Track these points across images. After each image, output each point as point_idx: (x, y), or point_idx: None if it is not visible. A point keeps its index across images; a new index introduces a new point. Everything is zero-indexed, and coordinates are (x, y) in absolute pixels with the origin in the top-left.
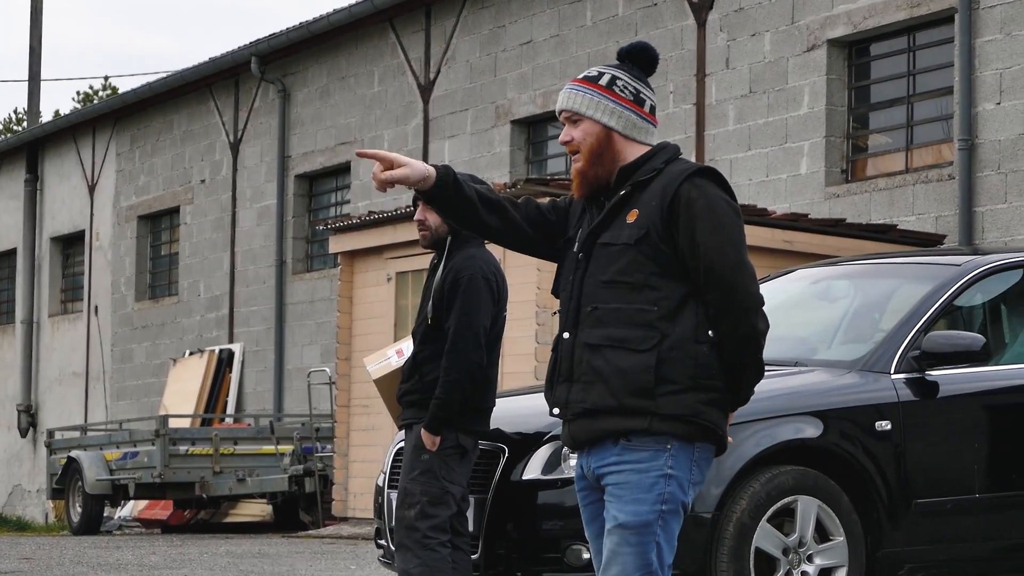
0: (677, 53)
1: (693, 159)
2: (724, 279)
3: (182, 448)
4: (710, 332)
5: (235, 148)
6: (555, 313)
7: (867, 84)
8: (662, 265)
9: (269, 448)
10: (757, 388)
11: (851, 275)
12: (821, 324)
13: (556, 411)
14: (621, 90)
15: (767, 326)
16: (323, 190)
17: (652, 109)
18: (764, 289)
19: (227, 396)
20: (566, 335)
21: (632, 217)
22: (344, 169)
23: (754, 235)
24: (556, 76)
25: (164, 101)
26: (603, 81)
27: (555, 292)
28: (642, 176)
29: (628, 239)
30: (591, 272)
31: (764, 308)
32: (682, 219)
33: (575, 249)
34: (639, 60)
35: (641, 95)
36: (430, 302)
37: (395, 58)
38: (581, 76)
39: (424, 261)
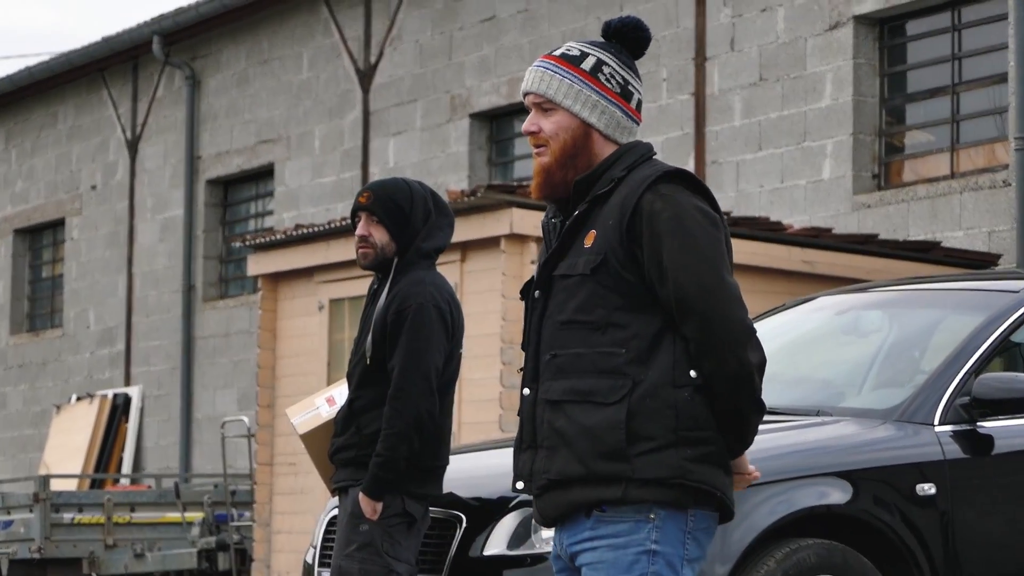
0: (671, 32)
1: (691, 162)
2: (701, 308)
3: (67, 516)
4: (692, 372)
5: (133, 147)
6: (520, 370)
7: (903, 70)
8: (627, 297)
9: (174, 516)
10: (770, 444)
11: (885, 304)
12: (848, 364)
13: (520, 485)
14: (607, 79)
15: (762, 359)
16: (240, 198)
17: (639, 104)
18: (779, 320)
19: (122, 451)
20: (526, 391)
21: (589, 240)
22: (266, 173)
23: (766, 254)
24: (524, 60)
25: (46, 90)
26: (586, 65)
27: (523, 345)
28: (600, 189)
29: (584, 268)
30: (549, 312)
31: (756, 336)
32: (645, 238)
33: (533, 286)
34: (629, 41)
35: (629, 86)
36: (369, 336)
37: (328, 37)
38: (558, 53)
39: (366, 286)
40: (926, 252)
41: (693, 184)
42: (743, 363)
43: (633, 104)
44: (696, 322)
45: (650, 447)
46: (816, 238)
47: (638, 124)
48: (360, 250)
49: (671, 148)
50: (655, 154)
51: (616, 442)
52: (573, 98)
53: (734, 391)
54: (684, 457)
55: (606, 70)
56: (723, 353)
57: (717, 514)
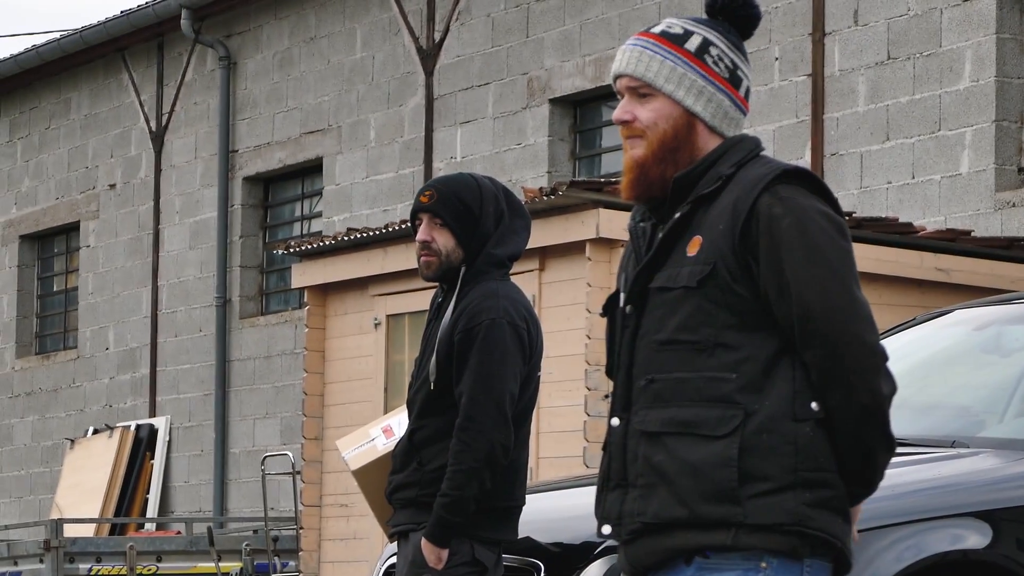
0: (785, 3)
1: (807, 153)
2: (827, 330)
3: (83, 567)
4: (813, 404)
5: (158, 139)
6: (606, 396)
7: None
8: (738, 314)
9: (207, 566)
10: (897, 480)
11: None
12: (989, 388)
13: (606, 529)
14: (715, 61)
15: (894, 389)
16: (283, 198)
17: (747, 92)
18: (908, 337)
19: (147, 492)
20: (615, 421)
21: (694, 248)
22: (313, 169)
23: (894, 261)
24: (613, 37)
25: (57, 73)
26: (691, 45)
27: (608, 371)
28: (705, 188)
29: (689, 280)
30: (644, 330)
31: (889, 365)
32: (762, 247)
33: (621, 302)
34: (738, 18)
35: (739, 71)
36: (433, 357)
37: (386, 11)
38: (656, 31)
39: (428, 299)
40: None
41: (815, 185)
42: (875, 394)
43: (742, 91)
44: (821, 346)
45: (765, 488)
46: (952, 242)
47: (746, 115)
48: (422, 258)
49: (784, 138)
50: (764, 149)
51: (726, 481)
52: (676, 83)
53: (862, 426)
54: (803, 501)
55: (713, 51)
56: (853, 382)
57: (831, 565)
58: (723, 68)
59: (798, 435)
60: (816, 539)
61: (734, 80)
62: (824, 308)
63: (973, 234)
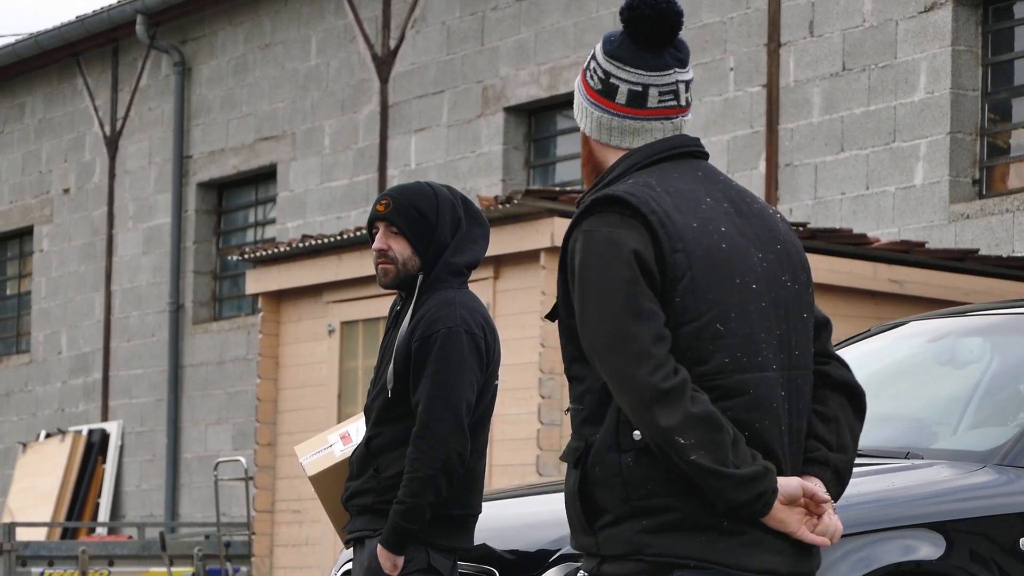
0: (740, 14)
1: (762, 164)
2: (604, 369)
3: (35, 571)
4: (636, 433)
5: (112, 144)
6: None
7: (1009, 58)
8: (580, 347)
9: (159, 571)
10: (850, 491)
11: (986, 330)
12: (943, 399)
13: None
14: (591, 75)
15: (678, 419)
16: (237, 204)
17: (634, 97)
18: (862, 350)
19: (99, 496)
20: None
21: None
22: (267, 175)
23: (847, 271)
24: (567, 45)
25: (12, 77)
26: (585, 65)
27: None
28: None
29: (554, 314)
30: None
31: (669, 395)
32: (571, 284)
33: None
34: (640, 26)
35: (611, 79)
36: (391, 365)
37: (341, 18)
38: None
39: (383, 306)
40: None
41: (607, 205)
42: (652, 428)
43: (619, 99)
44: (607, 379)
45: (608, 520)
46: (906, 253)
47: (645, 119)
48: (379, 266)
49: (738, 148)
50: (661, 156)
51: (576, 513)
52: (577, 110)
53: (664, 453)
54: (640, 529)
55: (591, 65)
56: (635, 418)
57: (742, 572)
58: (596, 80)
59: (622, 466)
60: (659, 564)
61: (607, 90)
62: (599, 349)
63: (927, 246)
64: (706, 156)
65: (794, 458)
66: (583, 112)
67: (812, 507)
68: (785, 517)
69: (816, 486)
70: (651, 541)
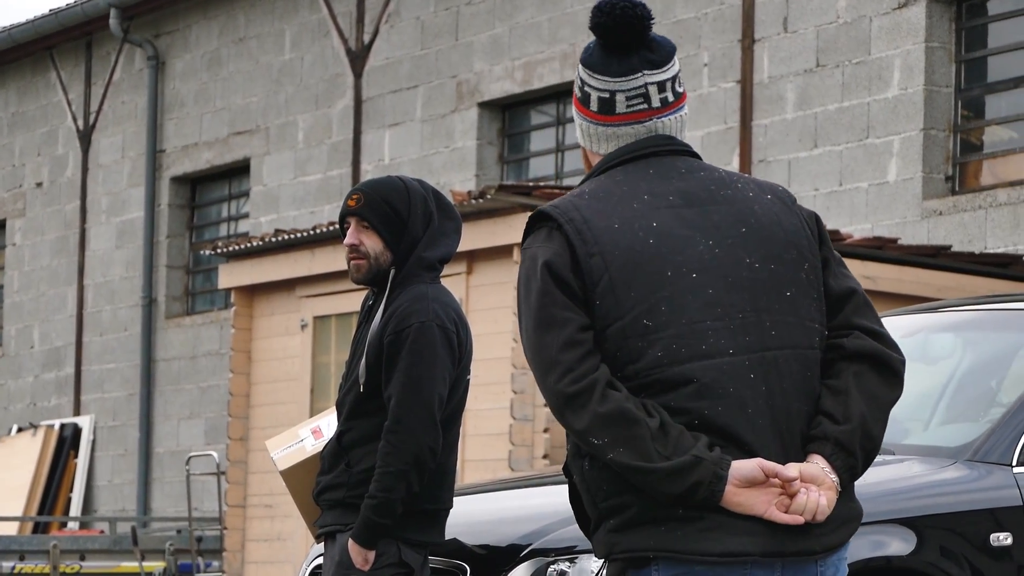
0: (714, 9)
1: (735, 159)
2: (534, 375)
3: (6, 565)
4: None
5: (85, 138)
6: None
7: (983, 55)
8: None
9: (131, 566)
10: None
11: (957, 326)
12: (915, 395)
13: None
14: (577, 87)
15: (587, 420)
16: (211, 199)
17: (603, 103)
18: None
19: (70, 491)
20: None
21: None
22: (241, 169)
23: None
24: (542, 40)
25: None
26: None
27: None
28: None
29: None
30: None
31: (578, 398)
32: None
33: None
34: (602, 34)
35: (586, 88)
36: (363, 360)
37: (315, 13)
38: None
39: (355, 301)
40: (1005, 267)
41: (535, 221)
42: (571, 432)
43: (593, 107)
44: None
45: (593, 526)
46: (879, 250)
47: (615, 125)
48: (351, 261)
49: (712, 144)
50: (617, 162)
51: (577, 522)
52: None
53: (596, 454)
54: (610, 529)
55: (577, 74)
56: (560, 423)
57: (655, 570)
58: (578, 89)
59: (584, 472)
60: (630, 560)
61: (583, 98)
62: (529, 361)
63: (900, 242)
64: (682, 151)
65: (787, 438)
66: (576, 125)
67: (785, 486)
68: (745, 500)
69: (790, 468)
70: (619, 540)
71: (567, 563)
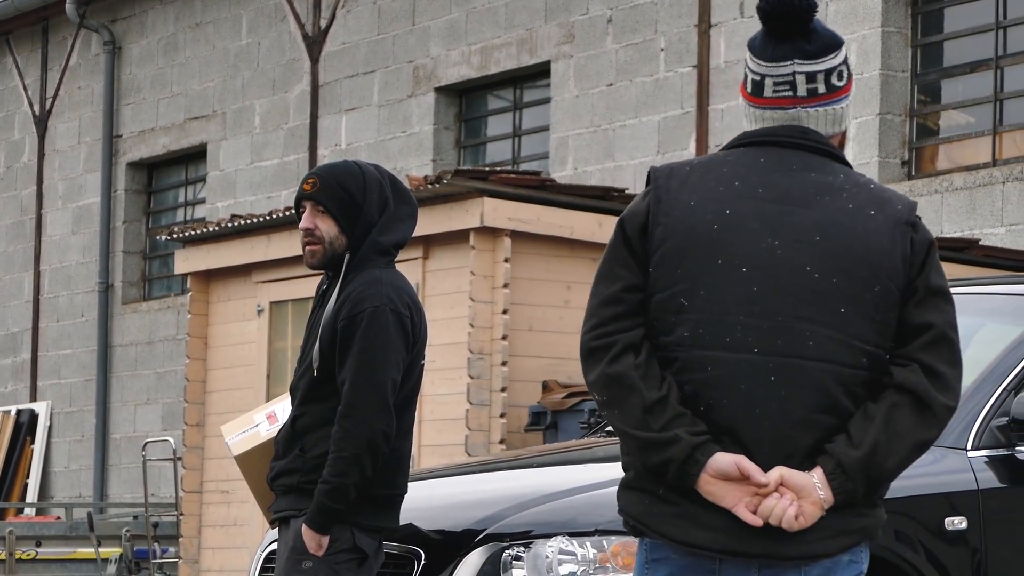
0: None
1: (692, 144)
2: None
3: None
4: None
5: (42, 123)
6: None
7: (939, 40)
8: None
9: (87, 551)
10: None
11: None
12: None
13: None
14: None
15: (595, 375)
16: (167, 184)
17: (753, 85)
18: None
19: (27, 477)
20: None
21: None
22: (197, 155)
23: None
24: (499, 25)
25: None
26: None
27: None
28: None
29: None
30: None
31: (597, 353)
32: None
33: None
34: (762, 19)
35: (746, 69)
36: (316, 345)
37: None
38: None
39: (312, 286)
40: (962, 251)
41: (648, 180)
42: (585, 379)
43: (748, 88)
44: None
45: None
46: None
47: (761, 108)
48: (306, 246)
49: (669, 129)
50: (743, 142)
51: None
52: None
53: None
54: (620, 484)
55: None
56: None
57: (667, 541)
58: (744, 67)
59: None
60: (633, 528)
61: (744, 78)
62: None
63: None
64: (811, 147)
65: (789, 445)
66: None
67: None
68: (717, 491)
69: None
70: (620, 495)
71: (522, 548)
